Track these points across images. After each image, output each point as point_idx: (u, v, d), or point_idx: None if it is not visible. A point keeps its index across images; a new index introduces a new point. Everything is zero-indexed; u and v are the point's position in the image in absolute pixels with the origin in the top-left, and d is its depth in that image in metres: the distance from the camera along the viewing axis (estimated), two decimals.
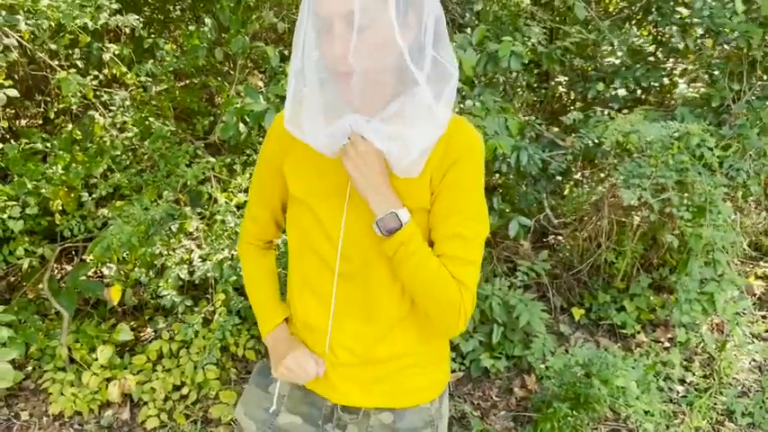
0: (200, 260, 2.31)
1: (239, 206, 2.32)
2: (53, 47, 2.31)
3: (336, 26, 1.04)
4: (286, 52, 2.41)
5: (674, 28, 3.57)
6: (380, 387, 1.26)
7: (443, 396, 1.35)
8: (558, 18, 3.61)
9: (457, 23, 3.21)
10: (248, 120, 2.12)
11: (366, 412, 1.28)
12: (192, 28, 2.49)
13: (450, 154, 1.16)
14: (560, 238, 3.47)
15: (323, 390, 1.28)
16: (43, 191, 2.47)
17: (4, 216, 2.44)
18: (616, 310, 3.18)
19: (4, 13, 2.31)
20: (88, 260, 2.85)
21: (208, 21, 2.48)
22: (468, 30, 2.95)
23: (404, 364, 1.26)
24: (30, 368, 2.79)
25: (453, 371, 2.89)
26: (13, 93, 2.18)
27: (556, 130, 3.48)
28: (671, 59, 3.76)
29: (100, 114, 2.43)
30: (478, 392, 2.85)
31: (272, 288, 1.38)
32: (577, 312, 3.21)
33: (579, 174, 3.58)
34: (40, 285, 2.92)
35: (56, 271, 3.11)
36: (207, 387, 2.62)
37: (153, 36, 2.45)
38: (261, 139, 2.57)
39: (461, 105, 2.48)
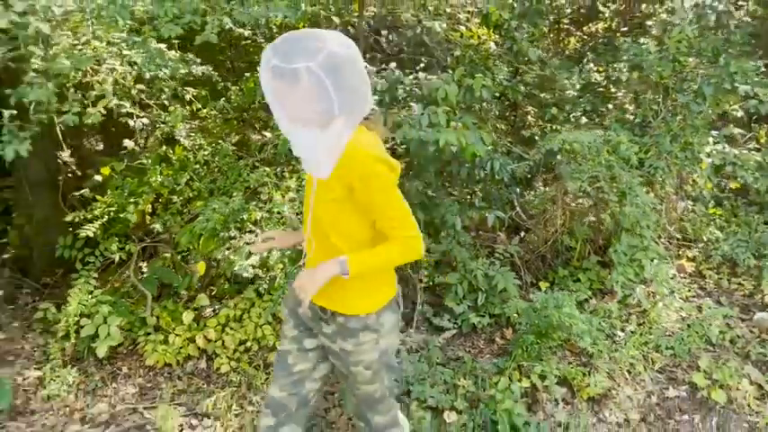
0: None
1: (290, 200, 3.21)
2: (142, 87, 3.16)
3: None
4: None
5: (614, 65, 4.60)
6: (339, 299, 1.89)
7: (382, 312, 1.92)
8: (519, 59, 4.61)
9: (441, 65, 4.19)
10: None
11: (332, 313, 1.91)
12: (247, 74, 3.41)
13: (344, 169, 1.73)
14: (528, 228, 4.38)
15: (314, 298, 1.91)
16: (141, 199, 3.34)
17: (104, 220, 3.29)
18: (573, 281, 4.08)
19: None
20: (167, 253, 3.70)
21: None
22: (450, 70, 3.91)
23: (350, 287, 1.86)
24: (122, 337, 3.60)
25: (448, 329, 3.76)
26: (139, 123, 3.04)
27: (522, 147, 4.45)
28: (612, 88, 4.78)
29: (184, 138, 3.32)
30: (469, 343, 3.72)
31: None
32: (543, 285, 4.09)
33: (541, 179, 4.53)
34: (127, 273, 3.76)
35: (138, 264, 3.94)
36: (265, 340, 3.45)
37: (222, 81, 3.36)
38: None
39: (452, 124, 3.39)
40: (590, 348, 3.27)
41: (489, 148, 3.50)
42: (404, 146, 3.17)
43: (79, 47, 2.49)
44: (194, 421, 3.05)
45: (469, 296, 3.81)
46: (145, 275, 3.76)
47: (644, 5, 5.40)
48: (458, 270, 3.81)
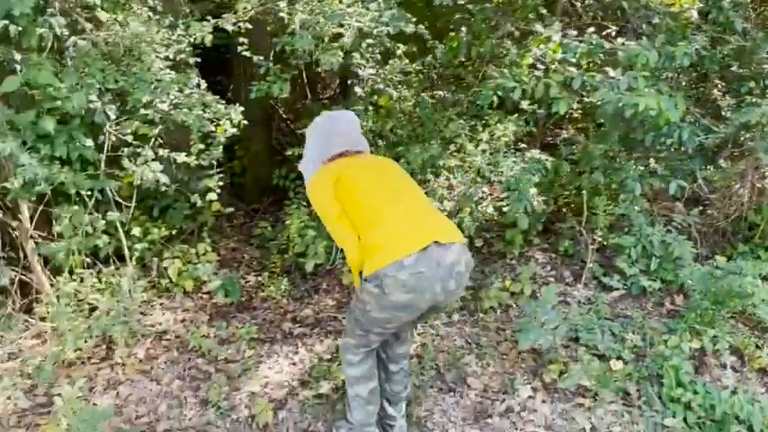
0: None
1: (482, 151, 3.53)
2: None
3: None
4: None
5: None
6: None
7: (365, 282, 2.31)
8: (718, 28, 4.47)
9: (636, 32, 4.22)
10: (499, 93, 3.32)
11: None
12: (452, 34, 3.74)
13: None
14: (708, 202, 4.34)
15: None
16: None
17: None
18: (753, 258, 4.02)
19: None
20: None
21: (464, 29, 3.72)
22: (644, 38, 3.95)
23: None
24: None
25: (617, 289, 3.92)
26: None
27: (711, 119, 4.37)
28: None
29: (391, 89, 3.74)
30: (636, 304, 3.85)
31: None
32: (721, 259, 4.08)
33: (728, 152, 4.43)
34: None
35: None
36: None
37: (430, 39, 3.72)
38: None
39: (647, 90, 3.45)
40: (767, 318, 3.29)
41: (680, 117, 3.55)
42: (597, 108, 3.33)
43: (325, 6, 2.96)
44: None
45: (642, 260, 3.92)
46: None
47: None
48: (633, 234, 3.93)
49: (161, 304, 3.69)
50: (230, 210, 4.01)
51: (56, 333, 3.19)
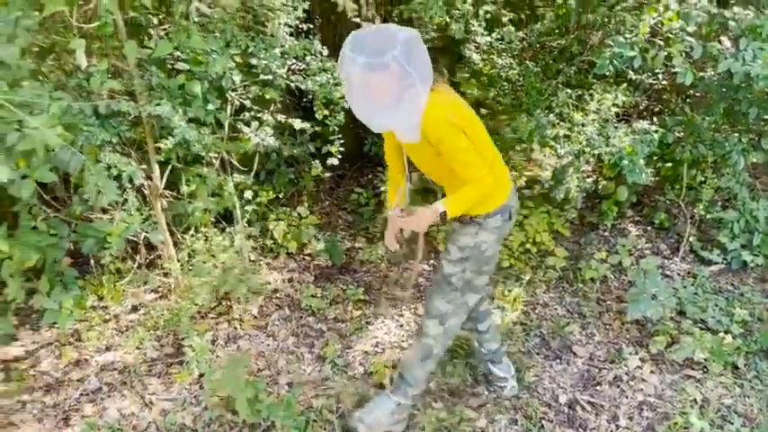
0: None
1: (592, 121, 3.51)
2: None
3: None
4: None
5: None
6: None
7: (491, 215, 2.30)
8: None
9: (760, 3, 4.08)
10: (616, 62, 3.28)
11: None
12: (560, 1, 3.69)
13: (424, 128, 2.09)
14: None
15: None
16: None
17: None
18: None
19: None
20: None
21: None
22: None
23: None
24: None
25: (716, 263, 3.89)
26: None
27: None
28: None
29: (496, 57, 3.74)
30: (737, 279, 3.83)
31: None
32: None
33: None
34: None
35: None
36: (544, 246, 3.88)
37: (538, 7, 3.69)
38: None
39: None
40: None
41: None
42: (714, 79, 3.27)
43: None
44: None
45: (744, 235, 3.88)
46: None
47: None
48: (736, 208, 3.88)
49: (267, 264, 3.82)
50: (328, 174, 4.09)
51: (179, 288, 3.35)
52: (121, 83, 2.61)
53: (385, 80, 1.97)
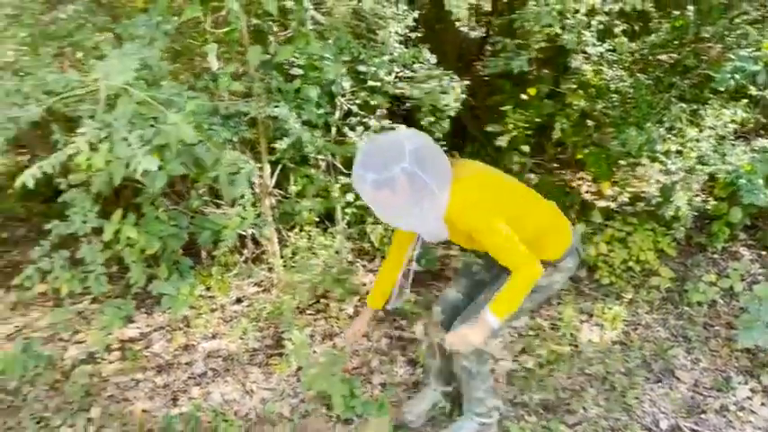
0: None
1: (708, 136, 3.35)
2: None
3: None
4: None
5: None
6: None
7: (565, 256, 2.26)
8: None
9: None
10: (737, 76, 3.12)
11: None
12: (677, 13, 3.56)
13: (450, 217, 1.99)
14: None
15: None
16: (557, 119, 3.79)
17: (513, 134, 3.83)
18: None
19: None
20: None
21: (690, 8, 3.53)
22: None
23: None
24: None
25: None
26: None
27: None
28: None
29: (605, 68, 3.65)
30: None
31: None
32: None
33: None
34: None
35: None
36: (648, 265, 3.74)
37: (653, 18, 3.58)
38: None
39: None
40: None
41: None
42: None
43: None
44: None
45: None
46: (535, 187, 4.28)
47: None
48: None
49: (363, 266, 3.90)
50: None
51: (281, 284, 3.49)
52: (243, 85, 2.76)
53: (397, 193, 1.89)
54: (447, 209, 1.96)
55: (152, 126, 2.23)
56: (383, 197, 1.90)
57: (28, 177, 2.00)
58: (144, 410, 2.85)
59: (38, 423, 2.79)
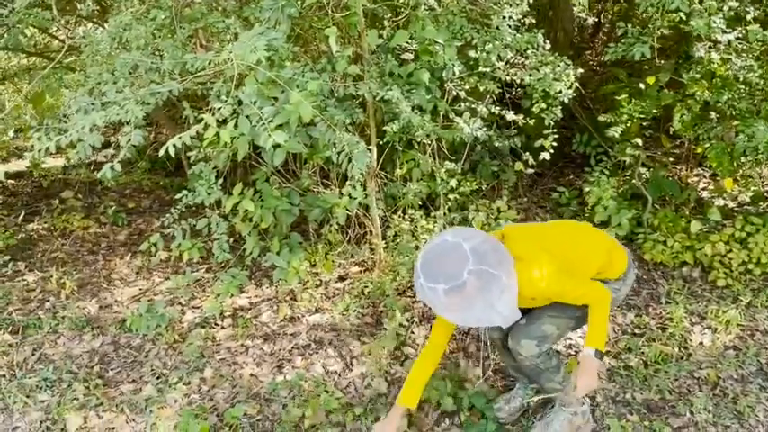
0: None
1: None
2: None
3: None
4: None
5: None
6: None
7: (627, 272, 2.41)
8: None
9: None
10: None
11: None
12: None
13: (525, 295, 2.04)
14: None
15: None
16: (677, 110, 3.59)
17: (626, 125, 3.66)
18: None
19: None
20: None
21: None
22: None
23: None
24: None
25: None
26: None
27: None
28: None
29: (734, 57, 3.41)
30: None
31: None
32: None
33: None
34: (633, 181, 4.14)
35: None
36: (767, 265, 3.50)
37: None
38: None
39: None
40: None
41: None
42: None
43: None
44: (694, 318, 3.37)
45: None
46: (647, 181, 4.11)
47: None
48: None
49: None
50: (530, 171, 4.05)
51: (381, 264, 3.57)
52: (357, 68, 2.84)
53: (470, 294, 1.88)
54: (519, 291, 2.00)
55: (272, 105, 2.36)
56: (457, 302, 1.91)
57: (170, 147, 2.17)
58: (252, 375, 3.02)
59: (157, 378, 3.02)
